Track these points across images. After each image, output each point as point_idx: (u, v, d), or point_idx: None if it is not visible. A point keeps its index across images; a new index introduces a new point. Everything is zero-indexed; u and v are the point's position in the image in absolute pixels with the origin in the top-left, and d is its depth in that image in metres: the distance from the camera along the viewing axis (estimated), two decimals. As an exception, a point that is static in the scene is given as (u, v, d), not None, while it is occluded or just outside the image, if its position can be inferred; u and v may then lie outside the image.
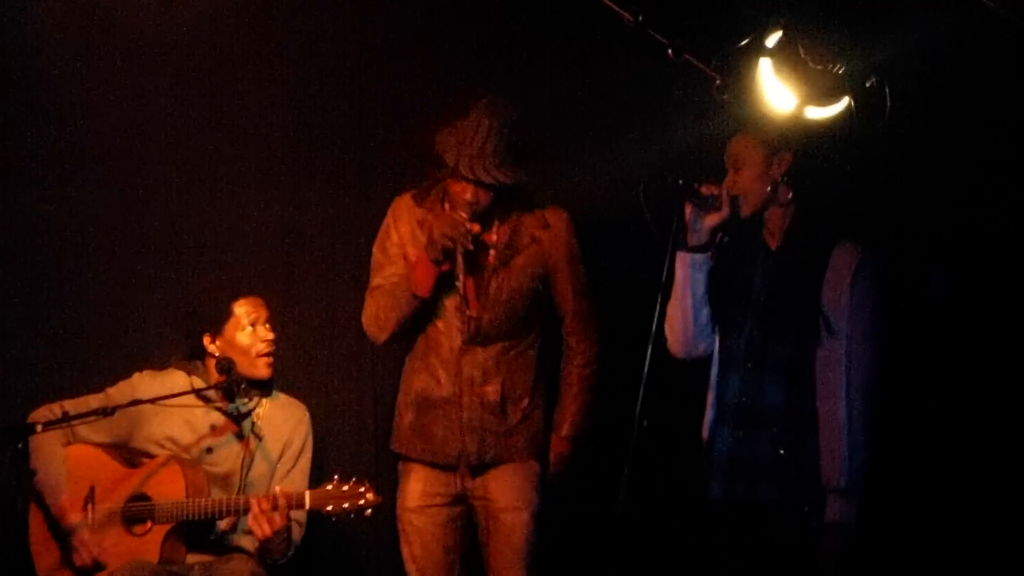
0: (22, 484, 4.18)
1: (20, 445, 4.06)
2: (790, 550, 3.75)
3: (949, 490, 4.26)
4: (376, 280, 4.35)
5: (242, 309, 4.44)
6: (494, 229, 4.30)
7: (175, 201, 4.96)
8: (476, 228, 4.21)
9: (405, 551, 4.35)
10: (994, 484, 4.23)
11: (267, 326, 4.47)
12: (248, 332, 4.43)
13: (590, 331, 4.37)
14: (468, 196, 4.19)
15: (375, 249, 4.39)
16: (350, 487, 4.20)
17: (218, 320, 4.44)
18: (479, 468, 4.29)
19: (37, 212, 4.90)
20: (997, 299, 4.24)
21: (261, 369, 4.44)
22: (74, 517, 4.30)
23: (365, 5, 4.96)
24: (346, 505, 4.19)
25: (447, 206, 4.28)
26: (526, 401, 4.32)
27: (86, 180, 4.93)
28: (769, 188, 3.80)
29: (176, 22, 4.86)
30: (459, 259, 4.21)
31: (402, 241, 4.32)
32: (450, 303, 4.27)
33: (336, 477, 4.23)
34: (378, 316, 4.31)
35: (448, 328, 4.29)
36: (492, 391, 4.27)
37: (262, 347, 4.44)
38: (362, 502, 4.18)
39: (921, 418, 4.22)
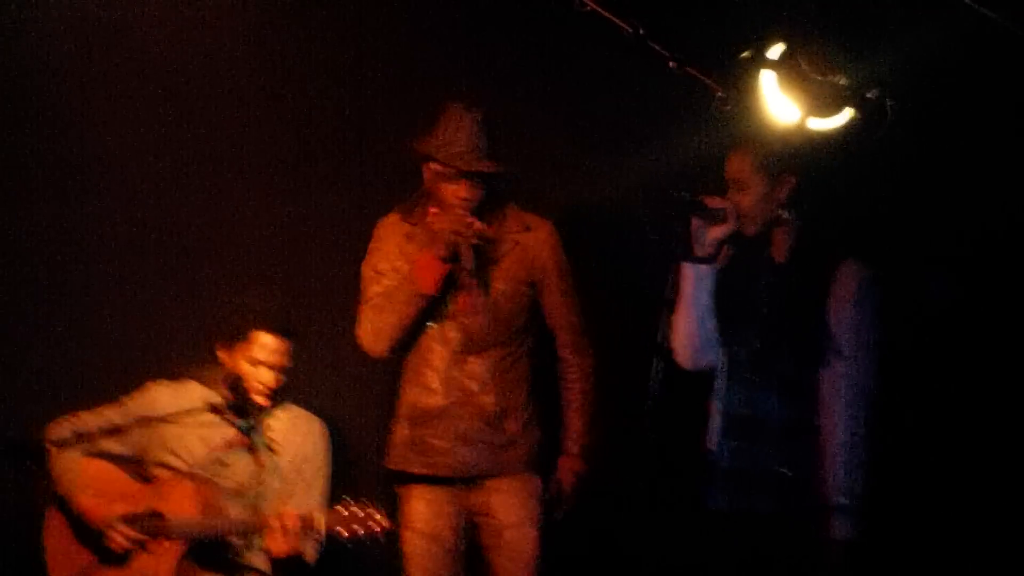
0: (31, 502, 4.20)
1: (28, 463, 4.07)
2: (791, 563, 3.74)
3: (952, 506, 4.25)
4: (367, 294, 4.28)
5: (260, 341, 4.35)
6: None
7: (177, 210, 4.92)
8: (479, 225, 4.15)
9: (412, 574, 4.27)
10: (998, 499, 4.22)
11: (274, 373, 4.36)
12: (253, 369, 4.35)
13: (584, 344, 4.33)
14: (463, 193, 4.14)
15: (364, 268, 4.32)
16: (362, 511, 4.14)
17: (233, 337, 4.39)
18: (478, 482, 4.23)
19: (47, 220, 4.88)
20: (998, 309, 4.23)
21: (257, 398, 4.39)
22: (102, 511, 4.24)
23: (365, 9, 4.95)
24: (358, 529, 4.13)
25: (432, 214, 4.21)
26: (523, 413, 4.27)
27: (91, 189, 4.92)
28: (774, 209, 3.79)
29: (178, 27, 4.84)
30: (468, 254, 4.14)
31: (389, 258, 4.27)
32: (443, 309, 4.21)
33: (346, 499, 4.18)
34: (377, 326, 4.22)
35: (442, 335, 4.22)
36: (489, 402, 4.22)
37: (258, 386, 4.37)
38: (376, 528, 4.13)
39: (923, 435, 4.22)
